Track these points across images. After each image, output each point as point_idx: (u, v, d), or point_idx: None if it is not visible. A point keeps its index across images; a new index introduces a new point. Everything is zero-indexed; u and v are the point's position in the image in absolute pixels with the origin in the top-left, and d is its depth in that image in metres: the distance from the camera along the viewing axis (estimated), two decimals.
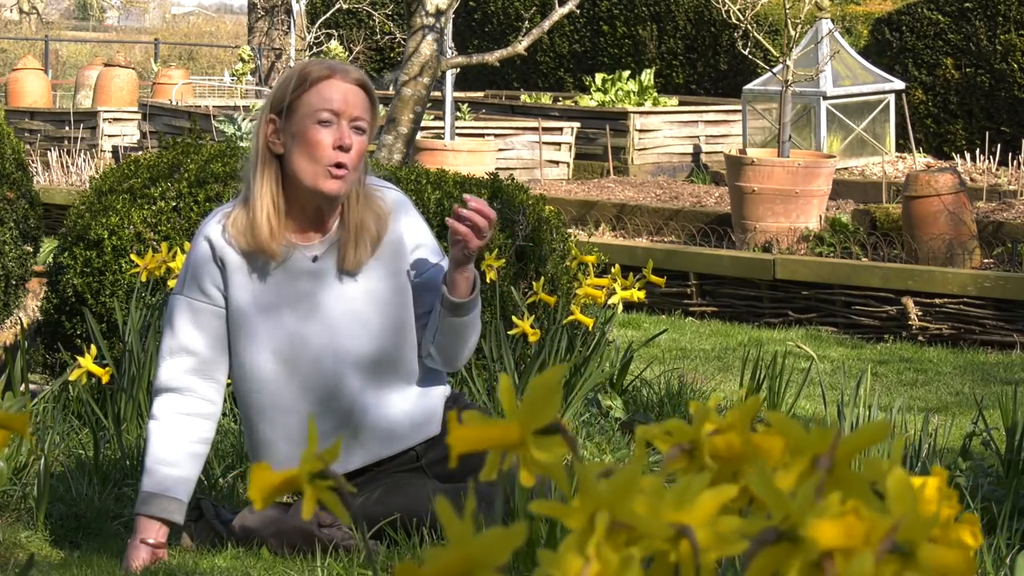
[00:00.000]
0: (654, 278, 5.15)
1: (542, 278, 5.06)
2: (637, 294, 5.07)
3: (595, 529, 1.02)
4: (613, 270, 5.24)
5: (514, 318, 4.75)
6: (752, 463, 1.14)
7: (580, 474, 1.03)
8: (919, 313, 7.52)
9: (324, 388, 3.52)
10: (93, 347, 4.37)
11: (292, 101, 3.43)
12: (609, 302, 5.09)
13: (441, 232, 4.94)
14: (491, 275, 4.80)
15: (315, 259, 3.51)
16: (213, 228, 3.51)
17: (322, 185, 3.41)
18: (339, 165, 3.40)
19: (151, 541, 3.44)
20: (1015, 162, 12.42)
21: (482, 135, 13.03)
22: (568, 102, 15.06)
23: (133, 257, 4.71)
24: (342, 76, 3.45)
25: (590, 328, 5.14)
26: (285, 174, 3.47)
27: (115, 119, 15.34)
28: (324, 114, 3.41)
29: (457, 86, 12.54)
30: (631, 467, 1.03)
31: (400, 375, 3.55)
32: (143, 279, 4.64)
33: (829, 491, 1.08)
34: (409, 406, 3.58)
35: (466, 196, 3.43)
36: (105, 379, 4.27)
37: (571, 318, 4.99)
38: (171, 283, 4.46)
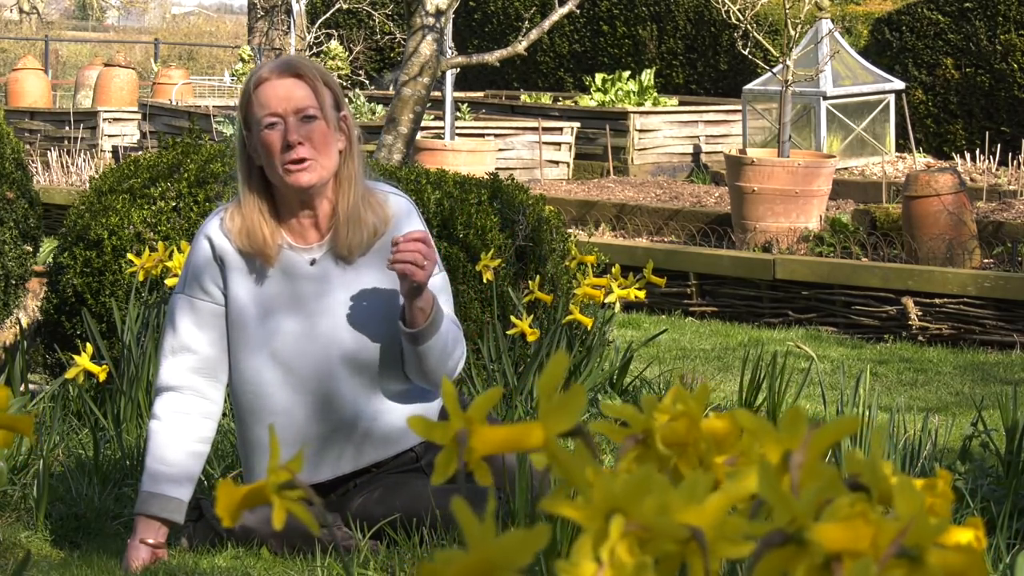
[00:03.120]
0: (654, 278, 5.14)
1: (538, 277, 5.05)
2: (636, 292, 5.07)
3: (609, 533, 1.01)
4: (613, 270, 5.24)
5: (512, 318, 4.74)
6: (710, 450, 1.14)
7: (594, 476, 1.02)
8: (919, 313, 7.52)
9: (320, 391, 3.51)
10: (89, 345, 4.36)
11: (246, 116, 3.50)
12: (607, 301, 5.08)
13: (440, 233, 4.93)
14: (488, 275, 4.79)
15: (313, 262, 3.51)
16: (213, 227, 3.53)
17: (290, 180, 3.44)
18: (296, 160, 3.42)
19: (151, 541, 3.44)
20: (1015, 162, 12.41)
21: (482, 135, 13.02)
22: (568, 102, 15.05)
23: (131, 257, 4.70)
24: (277, 74, 3.47)
25: (589, 328, 5.13)
26: (268, 180, 3.50)
27: (115, 119, 15.33)
28: (267, 119, 3.44)
29: (457, 86, 12.53)
30: (645, 468, 1.02)
31: (398, 378, 3.55)
32: (140, 279, 4.64)
33: (804, 486, 1.07)
34: (407, 408, 3.57)
35: (397, 237, 3.41)
36: (102, 377, 4.26)
37: (570, 318, 4.98)
38: (169, 282, 4.46)
